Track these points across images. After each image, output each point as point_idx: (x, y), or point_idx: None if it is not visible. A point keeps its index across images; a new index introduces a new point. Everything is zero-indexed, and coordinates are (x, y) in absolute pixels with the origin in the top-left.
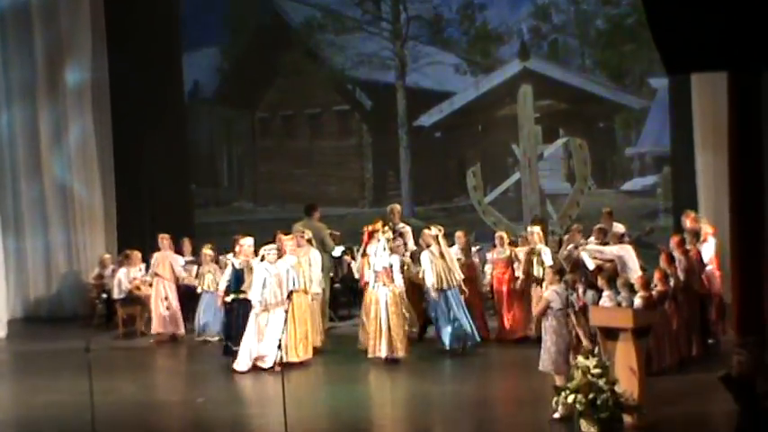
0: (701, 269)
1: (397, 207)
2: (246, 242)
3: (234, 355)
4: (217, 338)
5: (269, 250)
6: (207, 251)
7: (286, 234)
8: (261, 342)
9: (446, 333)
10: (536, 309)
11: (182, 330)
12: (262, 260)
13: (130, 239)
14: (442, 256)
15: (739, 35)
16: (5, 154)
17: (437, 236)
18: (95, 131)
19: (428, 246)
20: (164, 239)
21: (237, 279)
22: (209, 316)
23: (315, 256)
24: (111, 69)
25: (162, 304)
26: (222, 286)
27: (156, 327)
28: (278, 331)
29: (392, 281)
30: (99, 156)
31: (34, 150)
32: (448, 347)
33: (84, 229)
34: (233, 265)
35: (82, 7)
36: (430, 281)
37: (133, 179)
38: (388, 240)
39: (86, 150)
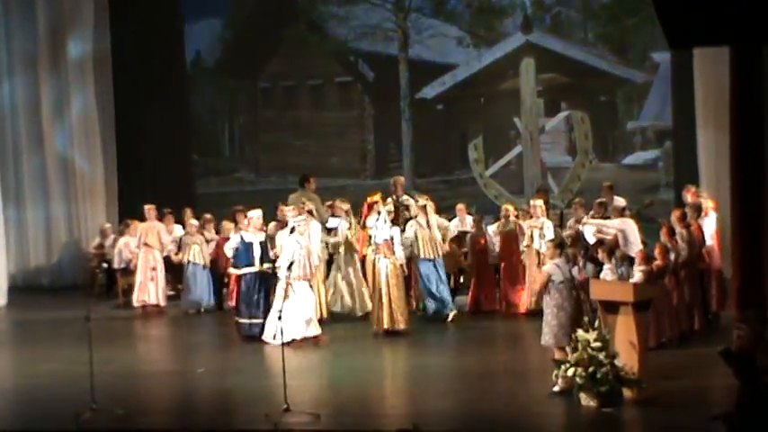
0: (701, 244)
1: (401, 179)
2: (255, 214)
3: (242, 328)
4: (204, 309)
5: (299, 222)
6: (192, 221)
7: (287, 206)
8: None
9: (430, 302)
10: (537, 283)
11: (164, 302)
12: (292, 232)
13: (131, 209)
14: (428, 226)
15: (742, 10)
16: (7, 125)
17: (425, 206)
18: (97, 103)
19: (415, 216)
20: (150, 210)
21: (247, 251)
22: (196, 287)
23: (315, 227)
24: (113, 40)
25: (150, 274)
26: (230, 254)
27: (141, 297)
28: (309, 304)
29: (393, 253)
30: (101, 127)
31: (36, 122)
32: (431, 315)
33: (86, 199)
34: (242, 237)
35: None
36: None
37: (134, 149)
38: (389, 213)
39: (88, 122)
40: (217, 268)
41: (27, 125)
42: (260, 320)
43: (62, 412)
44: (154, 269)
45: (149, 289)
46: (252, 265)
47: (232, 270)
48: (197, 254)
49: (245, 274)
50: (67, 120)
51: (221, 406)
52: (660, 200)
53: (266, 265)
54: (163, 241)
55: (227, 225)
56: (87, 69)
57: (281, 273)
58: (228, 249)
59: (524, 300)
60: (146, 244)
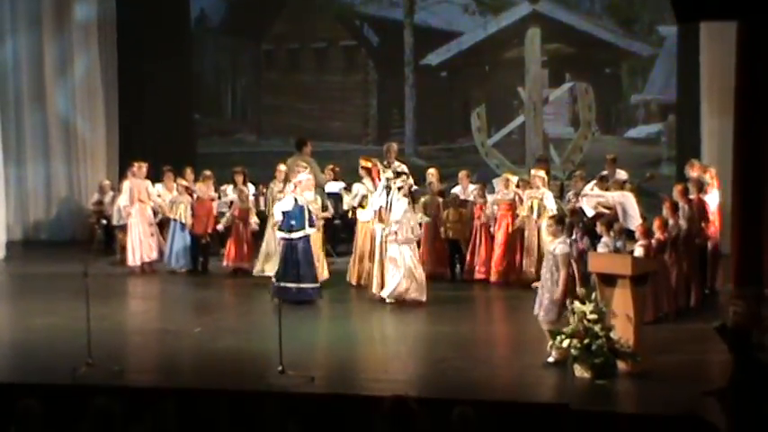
0: (702, 219)
1: (394, 146)
2: (304, 177)
3: (288, 292)
4: (185, 270)
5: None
6: (181, 182)
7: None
8: None
9: None
10: (563, 274)
11: (157, 258)
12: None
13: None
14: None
15: None
16: (9, 82)
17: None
18: (100, 62)
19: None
20: (141, 167)
21: (301, 214)
22: (179, 247)
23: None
24: (118, 3)
25: (150, 230)
26: (279, 217)
27: (135, 255)
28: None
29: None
30: (103, 86)
31: (38, 81)
32: None
33: (86, 157)
34: (295, 200)
35: None
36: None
37: (136, 108)
38: (387, 180)
39: (90, 81)
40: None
41: (29, 84)
42: (308, 285)
43: (58, 366)
44: (151, 225)
45: (150, 245)
46: (303, 228)
47: (279, 233)
48: (183, 213)
49: (296, 239)
50: (70, 79)
51: (216, 366)
52: (662, 175)
53: (312, 230)
54: (152, 197)
55: (201, 185)
56: (91, 29)
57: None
58: (279, 212)
59: (525, 268)
60: (140, 200)
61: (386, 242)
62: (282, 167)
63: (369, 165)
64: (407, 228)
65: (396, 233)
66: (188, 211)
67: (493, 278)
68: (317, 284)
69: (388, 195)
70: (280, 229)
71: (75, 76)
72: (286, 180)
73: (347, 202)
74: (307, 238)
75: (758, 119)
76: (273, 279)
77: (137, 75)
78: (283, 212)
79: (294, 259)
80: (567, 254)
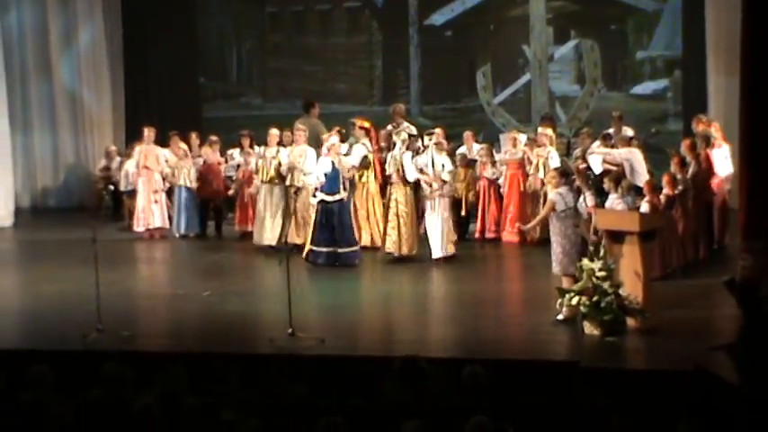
0: (710, 174)
1: (401, 106)
2: (335, 140)
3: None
4: (192, 234)
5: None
6: (182, 146)
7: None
8: None
9: None
10: (542, 212)
11: (167, 225)
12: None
13: (138, 133)
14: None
15: None
16: (15, 52)
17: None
18: (105, 28)
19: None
20: (150, 133)
21: (336, 178)
22: (185, 212)
23: (310, 153)
24: None
25: (153, 197)
26: (322, 179)
27: (145, 221)
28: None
29: (403, 180)
30: (108, 52)
31: (44, 51)
32: None
33: (93, 122)
34: (332, 163)
35: None
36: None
37: (142, 73)
38: (403, 141)
39: (96, 47)
40: (200, 194)
41: (35, 54)
42: (347, 249)
43: (68, 332)
44: (156, 192)
45: (154, 212)
46: (338, 192)
47: (320, 195)
48: (186, 177)
49: (333, 202)
50: (75, 45)
51: (226, 329)
52: (669, 131)
53: (345, 193)
54: (161, 162)
55: (207, 150)
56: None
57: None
58: (319, 175)
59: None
60: (146, 167)
61: (431, 199)
62: (275, 132)
63: (367, 125)
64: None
65: (443, 187)
66: (191, 174)
67: (505, 237)
68: (357, 247)
69: (417, 154)
70: (322, 191)
71: (80, 45)
72: (280, 144)
73: (347, 162)
74: (342, 201)
75: (764, 73)
76: (309, 245)
77: (141, 40)
78: (323, 174)
79: (331, 223)
80: (553, 201)
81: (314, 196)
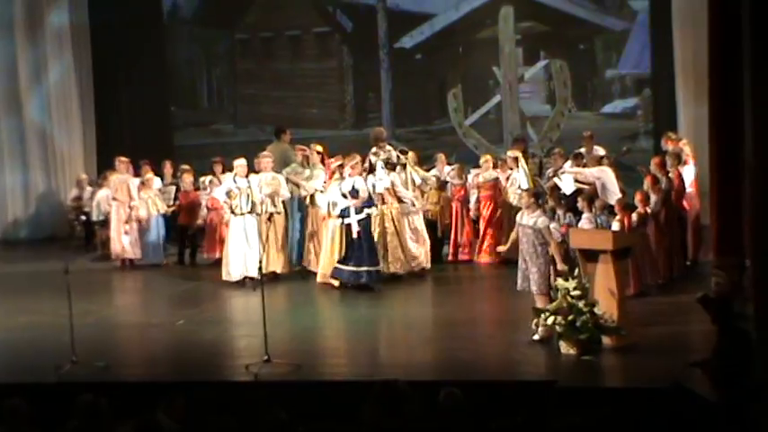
0: (681, 191)
1: (380, 130)
2: (358, 159)
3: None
4: (165, 263)
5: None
6: (148, 174)
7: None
8: None
9: None
10: (552, 245)
11: (139, 255)
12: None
13: (110, 162)
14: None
15: None
16: None
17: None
18: (75, 60)
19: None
20: (121, 162)
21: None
22: (160, 240)
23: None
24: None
25: (123, 228)
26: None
27: (116, 252)
28: None
29: (397, 200)
30: (78, 80)
31: (12, 81)
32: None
33: (63, 155)
34: (354, 183)
35: None
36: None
37: (112, 101)
38: (385, 163)
39: (65, 80)
40: (180, 222)
41: (4, 90)
42: (369, 268)
43: (42, 365)
44: (126, 222)
45: (123, 243)
46: (361, 210)
47: (348, 220)
48: (157, 206)
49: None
50: (45, 80)
51: (201, 358)
52: (640, 149)
53: (372, 209)
54: (132, 194)
55: (188, 177)
56: (65, 32)
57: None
58: (338, 195)
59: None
60: (115, 198)
61: (407, 218)
62: (242, 162)
63: (321, 149)
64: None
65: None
66: (163, 202)
67: (478, 258)
68: (378, 267)
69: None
70: (341, 216)
71: (49, 78)
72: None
73: (311, 186)
74: (368, 219)
75: (733, 88)
76: (337, 264)
77: (111, 71)
78: (343, 195)
79: (357, 243)
80: (547, 225)
81: (340, 217)
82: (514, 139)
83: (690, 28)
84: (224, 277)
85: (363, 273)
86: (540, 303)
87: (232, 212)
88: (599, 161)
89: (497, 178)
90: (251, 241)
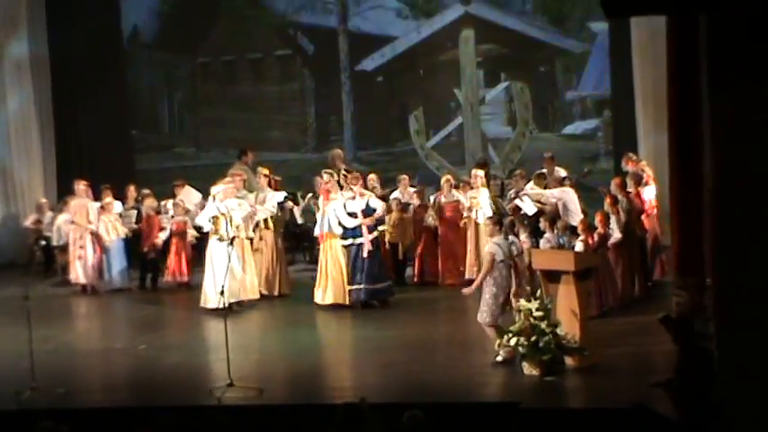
0: (641, 212)
1: (339, 152)
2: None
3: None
4: (126, 288)
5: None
6: (108, 198)
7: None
8: None
9: None
10: (483, 266)
11: (96, 281)
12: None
13: (70, 186)
14: None
15: None
16: None
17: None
18: (33, 79)
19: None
20: (80, 186)
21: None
22: (120, 265)
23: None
24: (48, 14)
25: (78, 252)
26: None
27: (74, 276)
28: None
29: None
30: (37, 104)
31: None
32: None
33: (23, 177)
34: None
35: None
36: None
37: (73, 125)
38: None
39: (23, 103)
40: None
41: None
42: (382, 285)
43: (2, 391)
44: (82, 247)
45: (82, 268)
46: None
47: (357, 240)
48: (117, 230)
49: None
50: (3, 107)
51: (164, 382)
52: (601, 170)
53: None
54: (91, 219)
55: (150, 202)
56: (23, 60)
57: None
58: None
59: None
60: (74, 222)
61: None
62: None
63: (267, 172)
64: None
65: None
66: (123, 227)
67: (440, 280)
68: (389, 282)
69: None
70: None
71: (8, 106)
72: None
73: (266, 211)
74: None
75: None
76: (351, 287)
77: (71, 96)
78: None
79: (369, 261)
80: (492, 253)
81: (343, 238)
82: (477, 163)
83: (649, 49)
84: (202, 303)
85: (381, 288)
86: (489, 334)
87: (219, 239)
88: (561, 182)
89: (458, 200)
90: (236, 266)
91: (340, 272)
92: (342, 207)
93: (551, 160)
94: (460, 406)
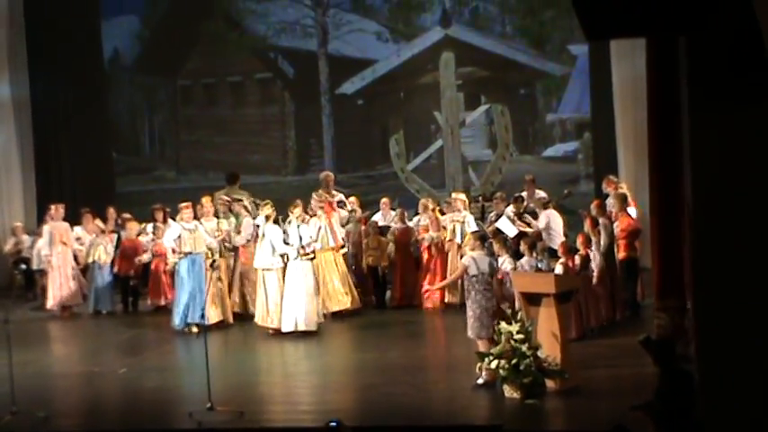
0: (634, 232)
1: (330, 175)
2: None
3: None
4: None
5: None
6: (98, 223)
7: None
8: None
9: None
10: (454, 274)
11: (79, 304)
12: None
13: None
14: None
15: (657, 1)
16: None
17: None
18: (12, 101)
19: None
20: (58, 209)
21: None
22: (100, 289)
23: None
24: (28, 38)
25: (72, 273)
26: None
27: (57, 298)
28: None
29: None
30: (16, 126)
31: None
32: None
33: (2, 202)
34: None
35: None
36: None
37: (53, 149)
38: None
39: (3, 121)
40: (121, 269)
41: None
42: None
43: None
44: (73, 268)
45: (71, 288)
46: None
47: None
48: (102, 253)
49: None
50: None
51: (144, 406)
52: (581, 192)
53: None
54: (70, 241)
55: (131, 225)
56: (1, 65)
57: None
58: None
59: (444, 293)
60: (63, 243)
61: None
62: (205, 201)
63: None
64: None
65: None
66: (107, 250)
67: (419, 303)
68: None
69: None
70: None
71: None
72: (216, 215)
73: (241, 239)
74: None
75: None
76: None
77: (51, 113)
78: None
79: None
80: (465, 265)
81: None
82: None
83: (629, 72)
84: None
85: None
86: (481, 347)
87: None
88: (545, 205)
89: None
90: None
91: (332, 280)
92: (279, 233)
93: (532, 183)
94: (441, 429)
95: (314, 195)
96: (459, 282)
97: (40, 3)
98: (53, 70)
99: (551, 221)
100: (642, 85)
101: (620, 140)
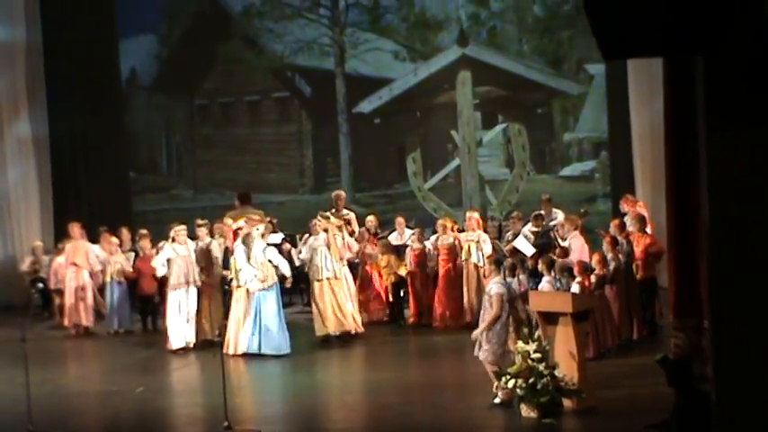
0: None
1: (342, 194)
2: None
3: None
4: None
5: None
6: (114, 239)
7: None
8: None
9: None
10: (491, 312)
11: (93, 323)
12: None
13: (68, 229)
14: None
15: (674, 21)
16: None
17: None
18: (31, 122)
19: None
20: (74, 228)
21: None
22: (118, 307)
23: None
24: (46, 57)
25: (79, 294)
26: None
27: (72, 319)
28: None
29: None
30: (35, 146)
31: None
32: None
33: (20, 219)
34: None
35: None
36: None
37: (70, 168)
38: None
39: (21, 142)
40: (139, 288)
41: None
42: None
43: None
44: (83, 289)
45: (80, 310)
46: None
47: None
48: (118, 272)
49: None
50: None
51: (161, 425)
52: (598, 212)
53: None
54: (90, 260)
55: (145, 242)
56: (20, 89)
57: None
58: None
59: (461, 313)
60: (74, 263)
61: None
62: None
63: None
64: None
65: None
66: (123, 269)
67: (436, 323)
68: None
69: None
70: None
71: (4, 133)
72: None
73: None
74: None
75: (689, 151)
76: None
77: (69, 132)
78: None
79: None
80: (500, 294)
81: None
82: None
83: (646, 92)
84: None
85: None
86: (488, 370)
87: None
88: (576, 226)
89: (454, 243)
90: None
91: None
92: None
93: (548, 202)
94: None
95: (318, 215)
96: (474, 301)
97: (59, 31)
98: (72, 95)
99: (576, 244)
100: (659, 103)
101: (637, 160)
